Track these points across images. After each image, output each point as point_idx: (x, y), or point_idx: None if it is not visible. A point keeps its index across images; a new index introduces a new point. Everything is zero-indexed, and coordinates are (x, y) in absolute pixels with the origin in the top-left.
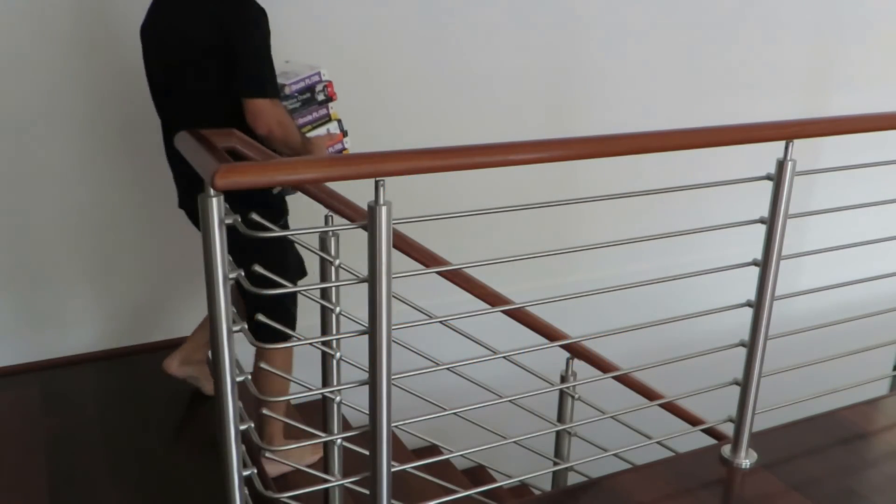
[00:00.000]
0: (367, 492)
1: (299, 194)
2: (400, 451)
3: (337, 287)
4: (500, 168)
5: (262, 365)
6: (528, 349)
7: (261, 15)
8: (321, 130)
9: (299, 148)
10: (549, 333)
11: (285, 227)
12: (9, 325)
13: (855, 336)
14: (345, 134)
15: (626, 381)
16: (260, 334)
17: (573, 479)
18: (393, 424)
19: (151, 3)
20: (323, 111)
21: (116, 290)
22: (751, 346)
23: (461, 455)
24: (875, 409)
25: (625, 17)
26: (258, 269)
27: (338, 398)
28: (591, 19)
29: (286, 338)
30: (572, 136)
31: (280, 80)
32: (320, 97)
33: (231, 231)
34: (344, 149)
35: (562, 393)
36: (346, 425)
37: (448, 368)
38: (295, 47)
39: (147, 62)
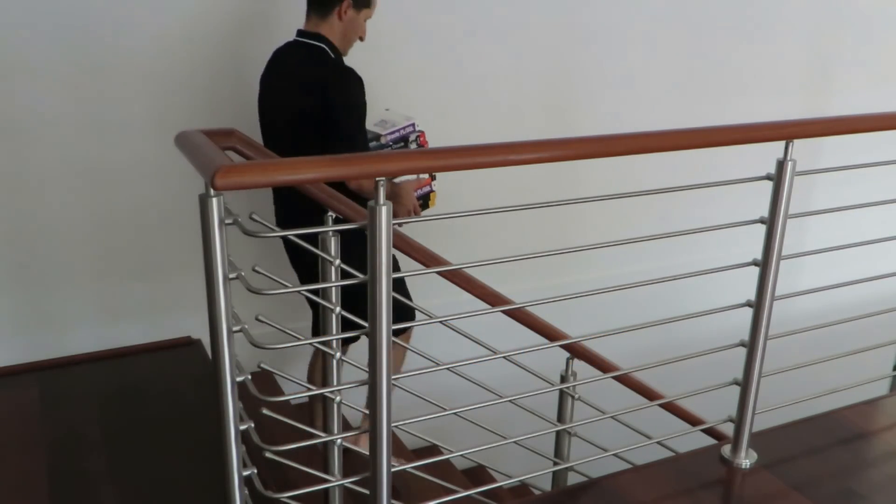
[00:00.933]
0: (367, 492)
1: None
2: (400, 451)
3: (337, 287)
4: (500, 168)
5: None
6: (528, 349)
7: (359, 85)
8: (411, 175)
9: (388, 196)
10: (549, 333)
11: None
12: (9, 325)
13: (855, 336)
14: (433, 178)
15: (626, 381)
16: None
17: (573, 479)
18: (393, 424)
19: (271, 55)
20: None
21: (116, 290)
22: (751, 346)
23: (461, 455)
24: (875, 409)
25: (625, 17)
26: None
27: (338, 398)
28: (591, 19)
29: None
30: (572, 136)
31: (377, 130)
32: (413, 146)
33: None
34: (431, 191)
35: (562, 393)
36: (346, 425)
37: (448, 368)
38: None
39: (260, 105)
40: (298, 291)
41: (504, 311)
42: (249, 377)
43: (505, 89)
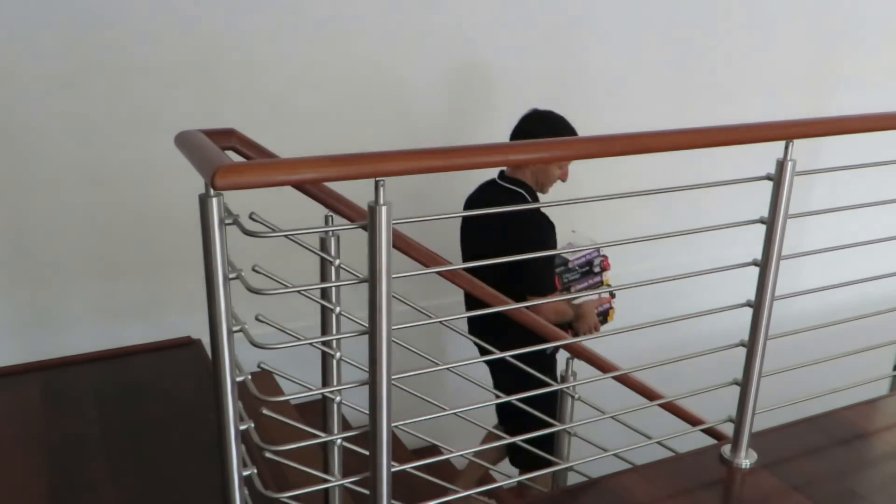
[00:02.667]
0: (367, 492)
1: (299, 194)
2: (400, 451)
3: (337, 287)
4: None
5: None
6: (529, 349)
7: (550, 229)
8: (593, 295)
9: (569, 317)
10: (550, 333)
11: (551, 358)
12: (9, 325)
13: (855, 336)
14: (612, 296)
15: (626, 381)
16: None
17: (573, 479)
18: (393, 424)
19: (476, 191)
20: (597, 279)
21: (116, 290)
22: (751, 346)
23: (461, 455)
24: (875, 409)
25: (625, 17)
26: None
27: (338, 398)
28: (591, 19)
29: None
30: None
31: (565, 255)
32: (596, 269)
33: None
34: (611, 308)
35: (562, 393)
36: (346, 425)
37: (448, 368)
38: (295, 47)
39: (462, 235)
40: (299, 292)
41: (504, 311)
42: (249, 377)
43: (505, 89)
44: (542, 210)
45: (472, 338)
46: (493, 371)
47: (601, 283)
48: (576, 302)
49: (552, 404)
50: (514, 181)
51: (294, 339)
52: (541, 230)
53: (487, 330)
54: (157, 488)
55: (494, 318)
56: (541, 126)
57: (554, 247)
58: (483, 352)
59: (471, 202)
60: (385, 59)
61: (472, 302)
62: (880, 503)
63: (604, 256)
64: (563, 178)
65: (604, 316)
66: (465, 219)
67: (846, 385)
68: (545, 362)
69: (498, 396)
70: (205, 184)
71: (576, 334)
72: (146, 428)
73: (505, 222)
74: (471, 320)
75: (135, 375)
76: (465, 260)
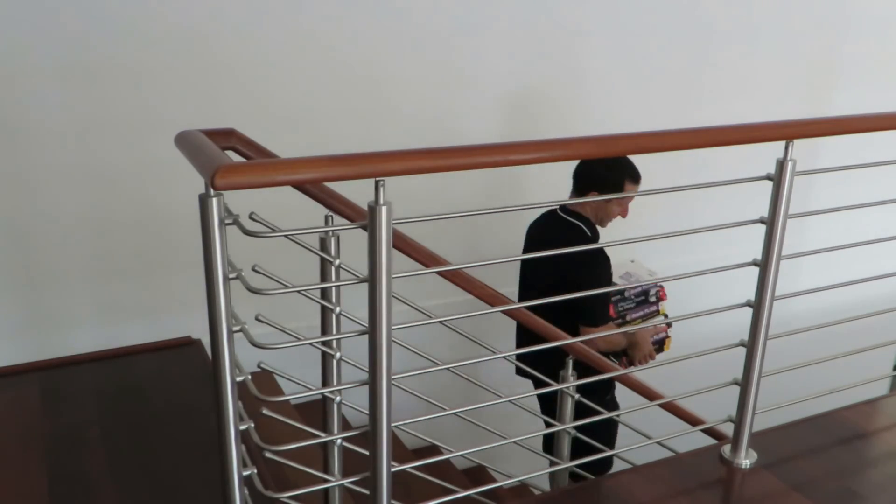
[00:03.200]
0: (367, 492)
1: (299, 194)
2: (400, 451)
3: (337, 287)
4: (501, 168)
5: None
6: (528, 349)
7: (607, 264)
8: (647, 323)
9: (622, 346)
10: (549, 333)
11: (612, 402)
12: (10, 325)
13: (855, 336)
14: (669, 326)
15: (626, 381)
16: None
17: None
18: (393, 424)
19: (536, 223)
20: (653, 308)
21: (116, 290)
22: (751, 346)
23: (461, 455)
24: (875, 409)
25: (625, 17)
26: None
27: (338, 398)
28: (591, 19)
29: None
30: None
31: (623, 283)
32: (652, 299)
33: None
34: (667, 337)
35: (562, 393)
36: (346, 425)
37: (448, 368)
38: (295, 48)
39: (522, 268)
40: (299, 292)
41: (504, 311)
42: (249, 377)
43: (505, 89)
44: (599, 242)
45: (524, 367)
46: (546, 400)
47: (657, 313)
48: (634, 331)
49: (612, 427)
50: (574, 214)
51: (294, 339)
52: (598, 264)
53: (543, 360)
54: (157, 488)
55: (552, 349)
56: (601, 163)
57: (610, 279)
58: (538, 383)
59: (536, 239)
60: (385, 60)
61: (525, 331)
62: (880, 503)
63: (661, 287)
64: (623, 215)
65: (659, 344)
66: (528, 247)
67: (846, 385)
68: (606, 388)
69: (550, 424)
70: (205, 184)
71: (630, 362)
72: (146, 428)
73: (574, 257)
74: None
75: (135, 375)
76: (522, 285)
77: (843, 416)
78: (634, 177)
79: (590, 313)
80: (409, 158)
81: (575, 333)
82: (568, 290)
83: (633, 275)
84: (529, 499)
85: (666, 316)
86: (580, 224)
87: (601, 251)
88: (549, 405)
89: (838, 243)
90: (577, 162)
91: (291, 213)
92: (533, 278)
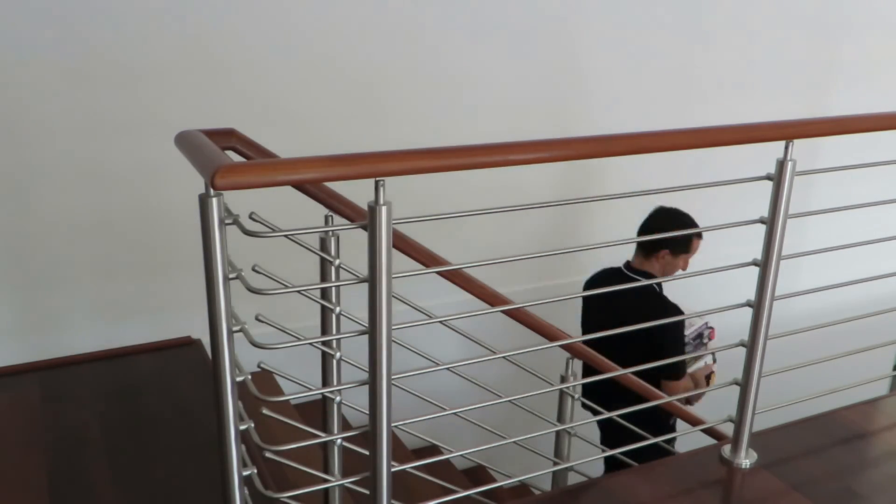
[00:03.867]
0: (367, 492)
1: (299, 194)
2: (400, 451)
3: (337, 287)
4: (501, 168)
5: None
6: (528, 349)
7: (683, 321)
8: (699, 362)
9: (690, 388)
10: (549, 333)
11: (672, 428)
12: (9, 325)
13: (855, 336)
14: (714, 361)
15: (626, 381)
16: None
17: (573, 479)
18: (393, 424)
19: (597, 278)
20: (706, 349)
21: (116, 290)
22: (751, 346)
23: (461, 455)
24: (875, 409)
25: (624, 16)
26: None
27: (338, 398)
28: (590, 19)
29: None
30: (572, 136)
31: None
32: (706, 340)
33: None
34: (713, 372)
35: (562, 393)
36: (346, 425)
37: (448, 368)
38: (295, 48)
39: (584, 320)
40: (299, 292)
41: (504, 311)
42: (249, 377)
43: (505, 89)
44: (665, 292)
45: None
46: (611, 432)
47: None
48: (691, 371)
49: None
50: (641, 273)
51: (294, 339)
52: (678, 324)
53: (647, 421)
54: (157, 488)
55: (624, 390)
56: (668, 222)
57: (683, 333)
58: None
59: (605, 302)
60: (385, 60)
61: (594, 373)
62: (880, 503)
63: (711, 329)
64: (684, 269)
65: (708, 379)
66: (592, 305)
67: (846, 385)
68: (660, 423)
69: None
70: (205, 184)
71: (687, 400)
72: (146, 428)
73: (649, 318)
74: (592, 389)
75: (135, 375)
76: (604, 348)
77: (843, 416)
78: (700, 235)
79: (674, 368)
80: (409, 158)
81: (655, 386)
82: (646, 346)
83: (689, 321)
84: (529, 499)
85: (713, 353)
86: (653, 287)
87: (676, 307)
88: (613, 440)
89: (838, 243)
90: (643, 220)
91: (291, 213)
92: (620, 348)
